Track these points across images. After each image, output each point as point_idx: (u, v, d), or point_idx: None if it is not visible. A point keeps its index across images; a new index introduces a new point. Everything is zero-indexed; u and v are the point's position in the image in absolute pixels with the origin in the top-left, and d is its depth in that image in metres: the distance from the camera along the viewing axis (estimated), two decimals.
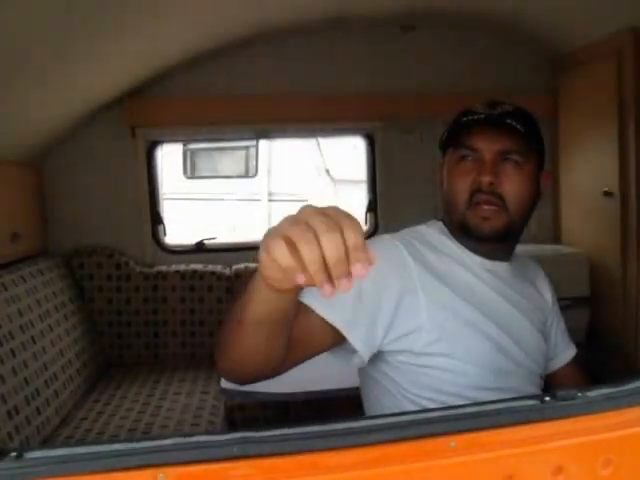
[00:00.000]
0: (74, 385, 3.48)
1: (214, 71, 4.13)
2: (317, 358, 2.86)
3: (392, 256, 1.43)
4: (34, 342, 3.15)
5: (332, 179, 8.79)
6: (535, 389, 1.55)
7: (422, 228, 1.59)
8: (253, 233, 6.70)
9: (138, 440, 0.92)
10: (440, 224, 1.59)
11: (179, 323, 4.16)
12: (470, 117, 1.50)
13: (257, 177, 8.80)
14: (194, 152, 8.86)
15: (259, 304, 1.06)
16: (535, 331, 1.58)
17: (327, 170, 8.75)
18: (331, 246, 0.79)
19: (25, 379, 2.94)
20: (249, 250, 4.44)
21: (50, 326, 3.38)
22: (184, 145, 8.47)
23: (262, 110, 4.13)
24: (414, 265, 1.42)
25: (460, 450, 0.95)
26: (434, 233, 1.57)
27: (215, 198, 8.62)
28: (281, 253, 0.83)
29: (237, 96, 4.13)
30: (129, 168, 4.16)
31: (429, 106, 4.23)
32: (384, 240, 1.50)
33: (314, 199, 8.62)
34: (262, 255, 0.89)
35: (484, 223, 1.47)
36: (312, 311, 1.30)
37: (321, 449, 0.92)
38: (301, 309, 1.28)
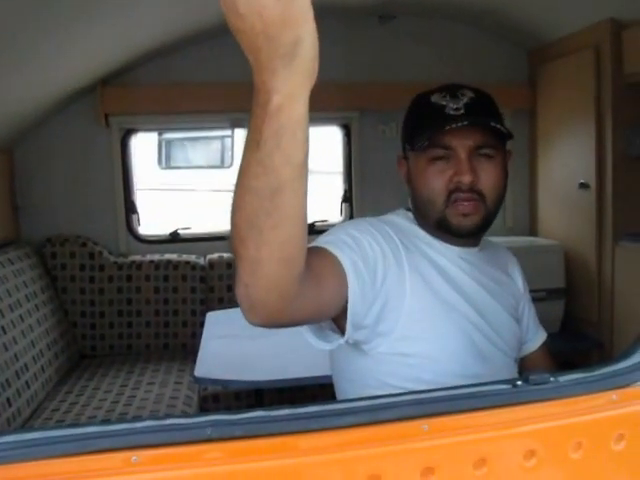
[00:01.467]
0: (46, 376, 3.44)
1: (189, 59, 4.10)
2: (292, 345, 2.88)
3: (381, 230, 1.41)
4: (4, 332, 3.11)
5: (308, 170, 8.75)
6: (512, 375, 1.55)
7: (392, 217, 1.58)
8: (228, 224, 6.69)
9: (111, 423, 0.92)
10: (409, 214, 1.58)
11: (153, 313, 4.13)
12: (448, 116, 1.46)
13: (232, 168, 8.74)
14: (169, 142, 8.79)
15: (272, 125, 0.88)
16: (508, 315, 1.58)
17: None
18: None
19: None
20: (223, 240, 4.42)
21: (21, 316, 3.34)
22: (159, 135, 8.39)
23: (237, 98, 4.05)
24: (400, 242, 1.41)
25: (433, 434, 0.96)
26: (405, 222, 1.55)
27: (190, 189, 8.57)
28: None
29: (212, 84, 4.09)
30: (103, 156, 4.12)
31: (405, 96, 4.19)
32: (367, 219, 1.48)
33: None
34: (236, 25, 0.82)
35: (465, 220, 1.47)
36: (326, 250, 1.26)
37: (294, 432, 0.93)
38: (318, 253, 1.23)
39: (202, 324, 4.03)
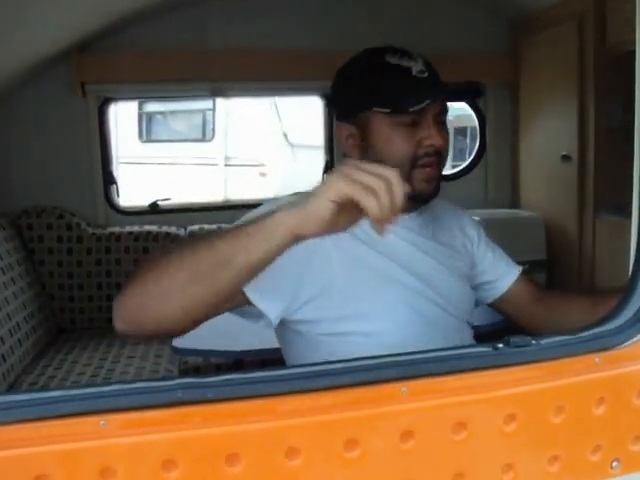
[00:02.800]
0: (22, 350, 3.40)
1: (169, 25, 4.00)
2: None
3: None
4: None
5: (290, 144, 8.66)
6: (466, 338, 1.54)
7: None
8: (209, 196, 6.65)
9: (79, 387, 0.91)
10: None
11: None
12: (419, 80, 1.46)
13: (214, 141, 8.69)
14: (150, 115, 8.72)
15: (255, 252, 1.08)
16: (456, 277, 1.57)
17: (285, 134, 8.61)
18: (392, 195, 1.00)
19: None
20: (204, 211, 4.39)
21: None
22: (139, 109, 8.32)
23: (217, 66, 4.02)
24: None
25: (412, 396, 0.95)
26: None
27: (171, 162, 8.48)
28: (371, 200, 0.99)
29: (192, 51, 4.01)
30: (80, 126, 4.03)
31: None
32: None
33: (271, 165, 8.55)
34: (323, 200, 1.02)
35: (428, 185, 1.46)
36: None
37: (268, 394, 0.91)
38: None
39: None
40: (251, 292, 1.27)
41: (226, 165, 8.64)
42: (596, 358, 1.04)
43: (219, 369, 3.61)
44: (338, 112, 1.60)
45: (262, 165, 8.59)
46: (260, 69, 4.06)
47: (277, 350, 2.61)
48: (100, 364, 3.49)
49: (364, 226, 1.44)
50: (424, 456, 0.96)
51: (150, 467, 0.87)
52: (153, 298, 1.15)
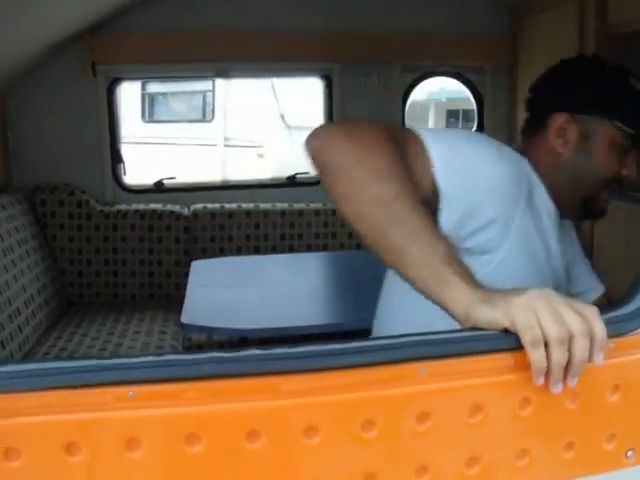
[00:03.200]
0: (36, 321, 3.52)
1: (175, 6, 4.08)
2: (279, 295, 2.94)
3: (520, 170, 1.40)
4: None
5: (287, 125, 8.72)
6: None
7: (517, 157, 1.46)
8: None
9: (108, 357, 0.95)
10: (523, 159, 1.49)
11: (138, 263, 4.20)
12: None
13: (213, 122, 8.73)
14: (153, 96, 8.77)
15: (423, 285, 1.07)
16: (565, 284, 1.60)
17: (282, 116, 8.67)
18: (581, 350, 0.92)
19: None
20: (208, 190, 4.48)
21: (13, 261, 3.41)
22: (142, 89, 8.36)
23: (220, 47, 4.12)
24: (526, 191, 1.39)
25: (430, 377, 0.96)
26: (527, 167, 1.49)
27: (172, 142, 8.53)
28: (538, 353, 0.93)
29: (198, 32, 4.10)
30: (90, 105, 4.13)
31: (386, 47, 4.26)
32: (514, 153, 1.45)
33: (269, 145, 8.57)
34: (500, 318, 0.97)
35: (605, 207, 1.51)
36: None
37: (290, 371, 0.93)
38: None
39: (186, 275, 4.07)
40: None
41: (225, 146, 8.72)
42: (610, 344, 0.99)
43: (222, 347, 3.69)
44: (567, 100, 1.50)
45: (260, 146, 8.68)
46: (262, 50, 4.15)
47: (279, 329, 2.71)
48: (108, 338, 3.61)
49: (548, 216, 1.48)
50: (439, 438, 0.97)
51: (174, 440, 0.89)
52: (341, 186, 1.15)
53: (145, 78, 5.49)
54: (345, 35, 4.21)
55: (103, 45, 4.01)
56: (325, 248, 4.44)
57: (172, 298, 4.19)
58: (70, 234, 4.10)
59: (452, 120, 12.94)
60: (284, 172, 4.77)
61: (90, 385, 0.88)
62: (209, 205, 4.29)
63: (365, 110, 4.35)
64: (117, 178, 4.30)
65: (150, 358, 0.93)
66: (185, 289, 4.09)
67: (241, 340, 3.09)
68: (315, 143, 1.18)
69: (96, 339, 3.59)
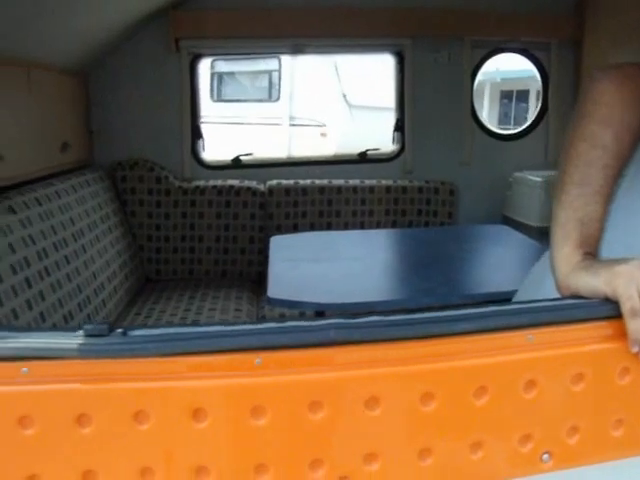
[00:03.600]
0: (118, 296, 3.59)
1: None
2: (360, 269, 2.95)
3: None
4: (84, 251, 3.24)
5: (349, 104, 8.80)
6: None
7: None
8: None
9: (236, 324, 0.95)
10: None
11: (214, 239, 4.25)
12: None
13: (279, 102, 8.85)
14: (220, 76, 8.87)
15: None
16: None
17: (344, 95, 8.75)
18: None
19: (78, 286, 3.05)
20: (283, 166, 4.51)
21: (97, 237, 3.48)
22: (211, 68, 8.46)
23: (297, 24, 4.16)
24: None
25: (538, 345, 0.96)
26: None
27: (238, 122, 8.68)
28: (635, 323, 0.95)
29: (277, 9, 4.14)
30: (172, 81, 4.18)
31: (457, 23, 4.27)
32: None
33: (331, 125, 8.65)
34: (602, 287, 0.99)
35: None
36: None
37: (412, 337, 0.94)
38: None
39: (260, 251, 4.16)
40: None
41: (290, 125, 8.84)
42: None
43: None
44: None
45: (323, 125, 8.78)
46: (336, 27, 4.18)
47: (356, 305, 2.72)
48: (185, 315, 3.66)
49: None
50: (545, 407, 0.97)
51: (297, 407, 0.89)
52: None
53: (225, 54, 5.53)
54: (418, 11, 4.21)
55: (186, 21, 4.06)
56: (394, 225, 4.46)
57: (245, 275, 4.26)
58: (149, 210, 4.17)
59: (505, 101, 12.80)
60: (345, 150, 4.79)
61: (219, 351, 0.90)
62: (284, 181, 4.32)
63: (435, 86, 4.40)
64: (195, 154, 4.35)
65: (275, 324, 0.94)
66: (259, 266, 4.20)
67: (318, 313, 3.10)
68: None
69: (174, 315, 3.64)
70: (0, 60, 2.78)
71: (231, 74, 9.02)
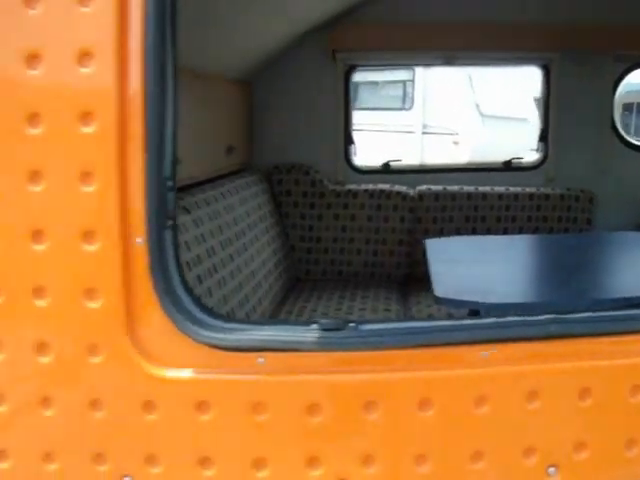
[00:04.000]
0: (272, 294, 3.73)
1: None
2: (515, 271, 2.97)
3: None
4: (245, 249, 3.39)
5: (481, 114, 8.83)
6: None
7: None
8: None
9: (459, 318, 1.02)
10: None
11: (364, 241, 4.35)
12: None
13: (412, 110, 9.01)
14: (356, 85, 9.07)
15: None
16: None
17: (477, 105, 8.79)
18: None
19: (240, 284, 3.19)
20: (433, 172, 4.57)
21: (256, 236, 3.64)
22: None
23: (447, 37, 4.23)
24: None
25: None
26: None
27: (372, 129, 8.89)
28: None
29: (425, 23, 4.23)
30: (327, 90, 4.35)
31: (604, 37, 4.25)
32: None
33: (464, 134, 8.71)
34: None
35: None
36: None
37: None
38: None
39: (407, 254, 4.23)
40: None
41: (423, 133, 8.96)
42: None
43: None
44: None
45: (455, 134, 8.84)
46: (486, 40, 4.25)
47: (515, 305, 2.74)
48: (336, 313, 3.76)
49: None
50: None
51: (516, 397, 0.95)
52: None
53: (378, 65, 5.68)
54: (565, 26, 4.23)
55: (343, 34, 4.22)
56: (536, 231, 4.49)
57: (393, 277, 4.34)
58: (302, 211, 4.33)
59: (626, 113, 12.59)
60: (477, 159, 4.80)
61: (445, 344, 0.97)
62: (433, 187, 4.39)
63: (578, 98, 4.42)
64: (348, 159, 4.48)
65: (498, 319, 1.02)
66: (406, 268, 4.28)
67: (472, 312, 3.13)
68: None
69: (325, 314, 3.74)
70: (182, 73, 2.96)
71: (366, 83, 9.21)
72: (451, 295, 2.73)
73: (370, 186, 4.37)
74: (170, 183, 1.35)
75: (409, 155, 7.94)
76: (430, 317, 3.64)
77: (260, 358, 1.05)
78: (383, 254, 4.37)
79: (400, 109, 9.27)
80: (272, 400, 1.01)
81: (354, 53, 4.35)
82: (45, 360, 1.26)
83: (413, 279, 4.29)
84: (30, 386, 1.27)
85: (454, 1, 4.24)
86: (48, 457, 1.22)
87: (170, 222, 1.37)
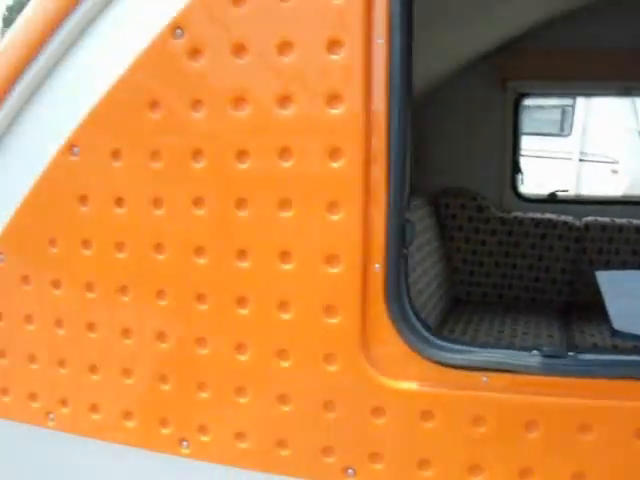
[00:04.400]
0: (435, 314, 3.83)
1: (575, 27, 4.18)
2: None
3: None
4: (414, 270, 3.48)
5: None
6: None
7: None
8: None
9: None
10: None
11: (526, 267, 4.38)
12: None
13: (570, 137, 8.75)
14: None
15: None
16: None
17: (639, 132, 8.40)
18: None
19: None
20: (599, 204, 4.54)
21: (423, 258, 3.75)
22: None
23: (622, 66, 4.14)
24: None
25: None
26: None
27: (524, 154, 8.76)
28: None
29: (598, 51, 4.15)
30: (495, 117, 4.40)
31: None
32: None
33: (624, 162, 8.39)
34: None
35: None
36: None
37: None
38: None
39: (570, 283, 4.23)
40: None
41: (580, 160, 8.72)
42: None
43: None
44: None
45: (615, 162, 8.53)
46: None
47: None
48: (499, 336, 3.81)
49: None
50: None
51: None
52: None
53: (549, 94, 5.68)
54: None
55: (514, 63, 4.24)
56: None
57: (554, 304, 4.34)
58: (467, 235, 4.41)
59: None
60: (637, 189, 4.70)
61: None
62: (600, 218, 4.36)
63: None
64: (514, 187, 4.53)
65: None
66: (568, 296, 4.28)
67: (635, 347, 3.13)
68: None
69: (489, 336, 3.80)
70: None
71: (525, 107, 9.08)
72: (631, 329, 2.75)
73: (537, 215, 4.40)
74: (406, 213, 1.55)
75: (565, 183, 7.81)
76: (590, 347, 3.64)
77: (485, 377, 1.22)
78: (545, 281, 4.38)
79: (557, 135, 8.99)
80: (492, 415, 1.17)
81: (526, 82, 4.39)
82: (285, 364, 1.51)
83: (575, 307, 4.28)
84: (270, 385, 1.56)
85: (627, 30, 4.14)
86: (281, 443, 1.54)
87: (405, 251, 1.55)
